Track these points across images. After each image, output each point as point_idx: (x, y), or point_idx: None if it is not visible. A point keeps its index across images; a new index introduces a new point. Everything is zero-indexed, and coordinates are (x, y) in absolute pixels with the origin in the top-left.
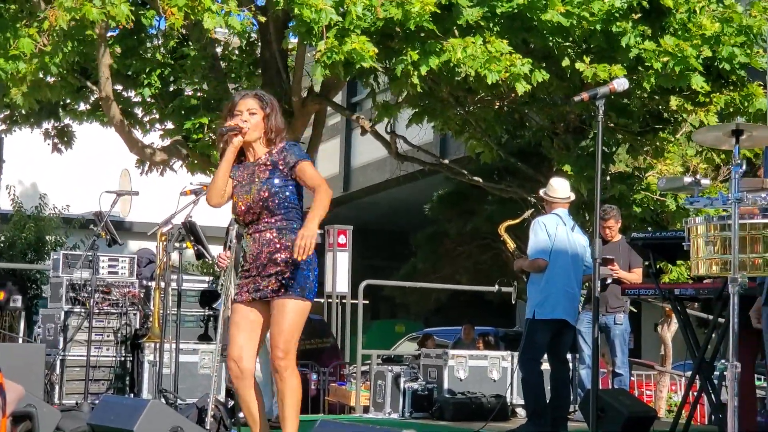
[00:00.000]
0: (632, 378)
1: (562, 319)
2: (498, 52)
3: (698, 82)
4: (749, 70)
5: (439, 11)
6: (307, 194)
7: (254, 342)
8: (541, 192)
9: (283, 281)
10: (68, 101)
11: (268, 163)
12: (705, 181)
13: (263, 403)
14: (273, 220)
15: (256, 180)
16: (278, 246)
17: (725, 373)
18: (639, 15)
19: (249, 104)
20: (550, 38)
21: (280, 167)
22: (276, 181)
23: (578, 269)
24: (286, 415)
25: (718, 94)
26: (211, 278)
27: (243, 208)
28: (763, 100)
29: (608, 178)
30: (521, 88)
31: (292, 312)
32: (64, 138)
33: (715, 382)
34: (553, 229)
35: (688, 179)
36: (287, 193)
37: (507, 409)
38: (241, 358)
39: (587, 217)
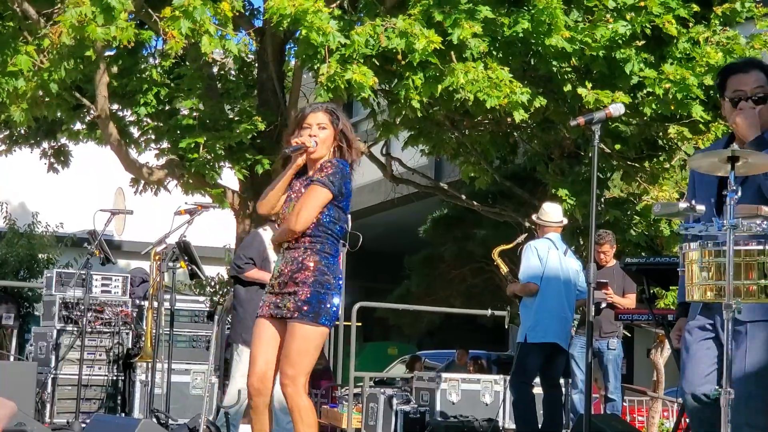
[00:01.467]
0: (624, 403)
1: (553, 342)
2: (498, 79)
3: (698, 111)
4: None
5: (443, 47)
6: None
7: (275, 358)
8: (534, 216)
9: (299, 303)
10: (64, 120)
11: (312, 176)
12: (700, 207)
13: (272, 427)
14: (302, 240)
15: (299, 195)
16: (300, 265)
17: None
18: (642, 42)
19: (319, 118)
20: (553, 63)
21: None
22: None
23: (571, 293)
24: None
25: (716, 123)
26: (205, 298)
27: (280, 221)
28: None
29: (603, 203)
30: (519, 116)
31: (301, 338)
32: (60, 158)
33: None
34: (545, 254)
35: (683, 205)
36: (323, 217)
37: None
38: (264, 375)
39: (582, 242)
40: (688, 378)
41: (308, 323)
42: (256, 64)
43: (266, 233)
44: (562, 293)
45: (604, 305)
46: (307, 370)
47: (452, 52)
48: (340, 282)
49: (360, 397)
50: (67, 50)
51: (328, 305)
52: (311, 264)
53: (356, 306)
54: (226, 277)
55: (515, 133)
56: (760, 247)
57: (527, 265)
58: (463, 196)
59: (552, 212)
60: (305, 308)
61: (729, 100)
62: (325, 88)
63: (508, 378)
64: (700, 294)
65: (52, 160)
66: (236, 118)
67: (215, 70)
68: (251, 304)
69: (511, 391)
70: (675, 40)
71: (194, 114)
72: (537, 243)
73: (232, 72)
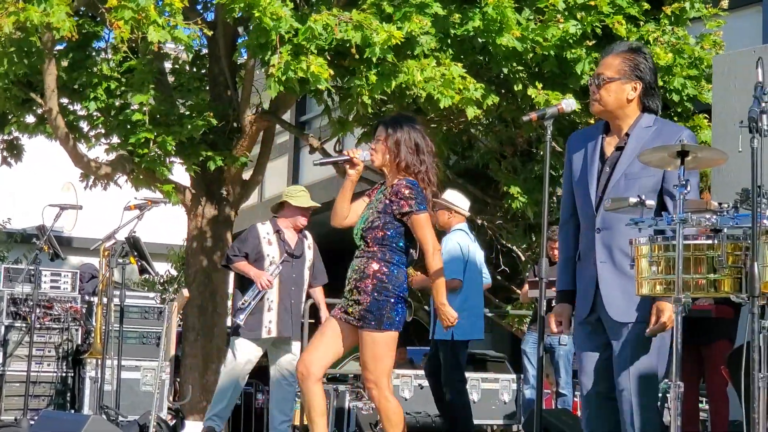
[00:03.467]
0: (576, 398)
1: (479, 339)
2: (452, 75)
3: None
4: (695, 102)
5: (403, 41)
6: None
7: (330, 354)
8: (447, 203)
9: (362, 312)
10: (13, 113)
11: (387, 196)
12: (650, 202)
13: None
14: (368, 249)
15: (373, 208)
16: (363, 273)
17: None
18: (593, 42)
19: (378, 132)
20: (504, 63)
21: (393, 207)
22: (383, 216)
23: (482, 286)
24: None
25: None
26: (155, 294)
27: (356, 230)
28: (709, 132)
29: (555, 200)
30: (471, 112)
31: (371, 344)
32: (13, 151)
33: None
34: (467, 247)
35: (633, 200)
36: (389, 232)
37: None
38: (312, 362)
39: (534, 239)
40: (587, 373)
41: (373, 330)
42: (208, 59)
43: (263, 227)
44: (480, 287)
45: (554, 302)
46: (386, 372)
47: (405, 47)
48: (404, 291)
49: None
50: (10, 42)
51: (390, 311)
52: (371, 272)
53: (308, 302)
54: (174, 273)
55: (471, 129)
56: (710, 242)
57: (451, 259)
58: None
59: (463, 200)
60: (368, 317)
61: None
62: (276, 80)
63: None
64: (649, 288)
65: (5, 153)
66: (188, 114)
67: (168, 64)
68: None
69: (448, 391)
70: (627, 40)
71: (145, 109)
72: (458, 236)
73: (186, 67)
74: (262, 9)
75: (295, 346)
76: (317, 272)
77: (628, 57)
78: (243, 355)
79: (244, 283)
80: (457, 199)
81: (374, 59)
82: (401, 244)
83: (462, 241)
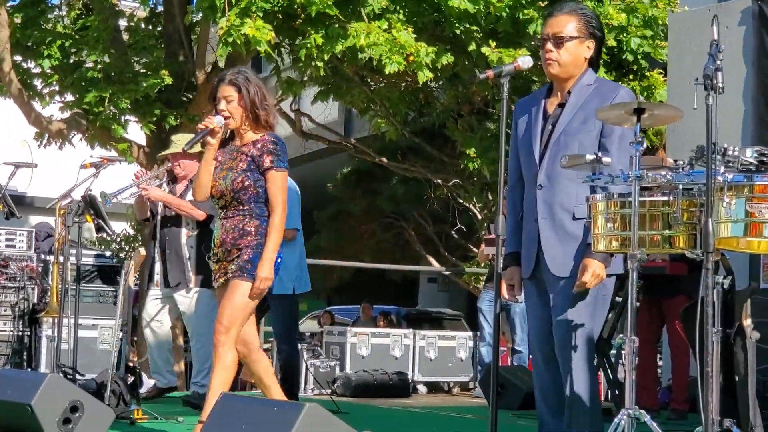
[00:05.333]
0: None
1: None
2: (401, 41)
3: (600, 71)
4: (649, 60)
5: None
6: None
7: (252, 319)
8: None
9: (241, 263)
10: None
11: (249, 155)
12: (606, 159)
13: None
14: (242, 209)
15: (234, 168)
16: (242, 231)
17: (623, 348)
18: (546, 2)
19: (225, 91)
20: (457, 24)
21: (257, 163)
22: (251, 174)
23: None
24: (212, 390)
25: (619, 83)
26: (112, 253)
27: (216, 192)
28: (664, 91)
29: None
30: (423, 77)
31: (241, 293)
32: None
33: (613, 360)
34: (297, 194)
35: (590, 156)
36: (260, 189)
37: (408, 386)
38: (245, 340)
39: (491, 198)
40: (533, 332)
41: (248, 280)
42: (163, 17)
43: None
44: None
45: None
46: (241, 324)
47: (352, 7)
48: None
49: (270, 352)
50: None
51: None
52: (252, 229)
53: None
54: (131, 232)
55: (427, 87)
56: (665, 198)
57: (292, 205)
58: (372, 152)
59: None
60: (248, 267)
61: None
62: (224, 42)
63: (417, 332)
64: (605, 244)
65: None
66: (143, 72)
67: (123, 22)
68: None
69: (286, 349)
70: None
71: (99, 67)
72: (291, 181)
73: (142, 25)
74: None
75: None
76: None
77: (582, 15)
78: None
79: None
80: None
81: (313, 14)
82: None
83: (294, 186)
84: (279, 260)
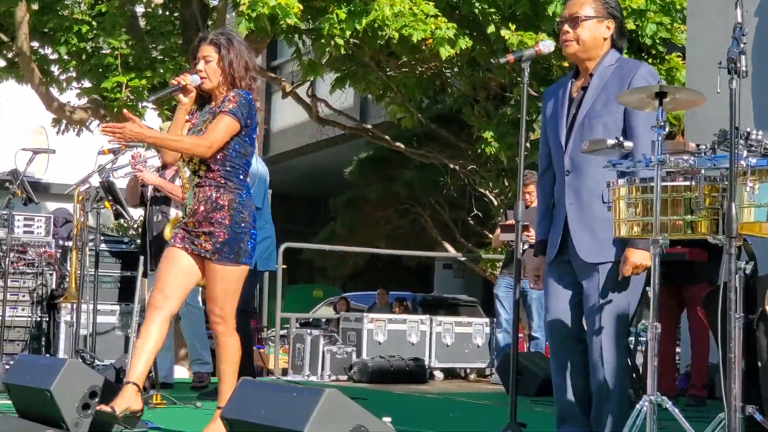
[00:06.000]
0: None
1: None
2: (423, 14)
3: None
4: (668, 44)
5: None
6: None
7: (185, 285)
8: None
9: (218, 245)
10: None
11: (216, 110)
12: (628, 144)
13: (159, 343)
14: (212, 176)
15: (203, 127)
16: (215, 204)
17: (641, 335)
18: None
19: (204, 51)
20: (477, 4)
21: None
22: None
23: None
24: (223, 376)
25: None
26: (130, 239)
27: (186, 156)
28: (684, 74)
29: (528, 144)
30: (445, 53)
31: (226, 278)
32: None
33: (631, 346)
34: (266, 171)
35: (611, 141)
36: (229, 151)
37: (425, 372)
38: (169, 296)
39: (507, 184)
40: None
41: (230, 264)
42: (180, 2)
43: None
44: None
45: (527, 246)
46: (234, 309)
47: None
48: (253, 220)
49: (286, 339)
50: None
51: (246, 242)
52: (225, 203)
53: (282, 247)
54: None
55: (444, 73)
56: (687, 183)
57: (258, 185)
58: (389, 138)
59: None
60: (225, 249)
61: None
62: (247, 17)
63: (434, 318)
64: (627, 230)
65: None
66: (160, 58)
67: (140, 8)
68: None
69: (239, 326)
70: None
71: (117, 53)
72: (259, 161)
73: (159, 11)
74: None
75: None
76: None
77: None
78: None
79: None
80: None
81: None
82: (244, 163)
83: (262, 164)
84: (255, 232)
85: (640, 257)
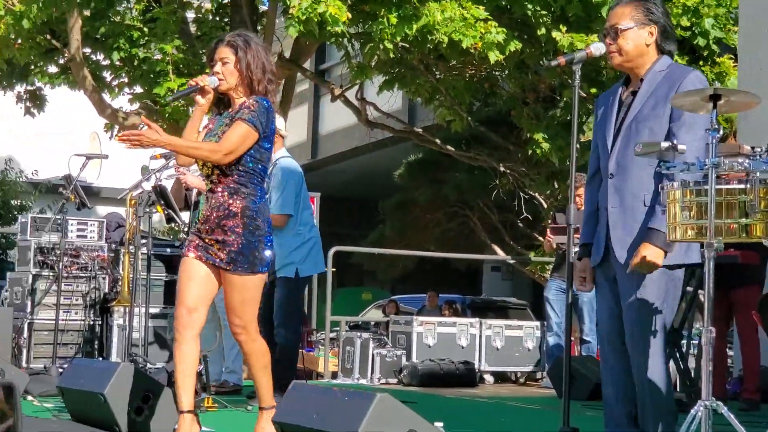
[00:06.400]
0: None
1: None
2: (473, 18)
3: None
4: (720, 45)
5: None
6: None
7: (207, 296)
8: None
9: (232, 255)
10: (36, 63)
11: (234, 116)
12: (682, 147)
13: (196, 360)
14: (226, 181)
15: (219, 133)
16: (227, 212)
17: (693, 339)
18: None
19: (222, 53)
20: (528, 5)
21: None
22: None
23: None
24: (257, 380)
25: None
26: (180, 243)
27: (200, 161)
28: (735, 78)
29: (579, 146)
30: (494, 56)
31: (242, 288)
32: (36, 101)
33: (683, 350)
34: (301, 177)
35: (665, 144)
36: (243, 156)
37: (475, 375)
38: (195, 308)
39: (557, 186)
40: (601, 322)
41: (245, 273)
42: (230, 8)
43: None
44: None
45: (577, 256)
46: (254, 317)
47: None
48: (267, 227)
49: (336, 342)
50: None
51: (261, 250)
52: (238, 210)
53: (332, 250)
54: None
55: (493, 75)
56: (741, 186)
57: (289, 190)
58: (438, 141)
59: (281, 120)
60: (239, 259)
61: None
62: (296, 20)
63: (483, 321)
64: (681, 233)
65: (29, 104)
66: None
67: (190, 14)
68: None
69: (286, 334)
70: None
71: (168, 59)
72: (293, 163)
73: (209, 16)
74: None
75: None
76: None
77: (637, 4)
78: None
79: None
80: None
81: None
82: (259, 169)
83: (296, 168)
84: (271, 238)
85: (653, 254)
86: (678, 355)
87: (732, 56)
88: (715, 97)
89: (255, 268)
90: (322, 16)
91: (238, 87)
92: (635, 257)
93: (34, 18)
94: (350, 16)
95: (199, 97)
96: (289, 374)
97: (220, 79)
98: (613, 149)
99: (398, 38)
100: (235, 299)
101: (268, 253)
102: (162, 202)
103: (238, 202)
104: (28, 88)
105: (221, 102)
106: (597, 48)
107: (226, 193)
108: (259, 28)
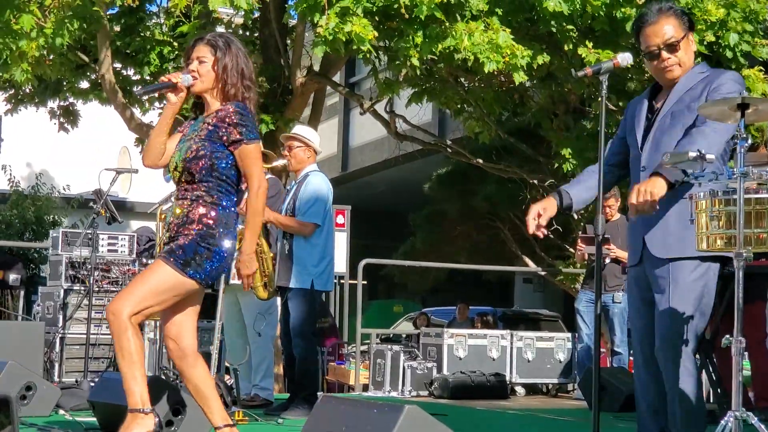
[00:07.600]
0: (631, 357)
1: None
2: (498, 42)
3: None
4: (748, 57)
5: (449, 1)
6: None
7: (190, 317)
8: (306, 139)
9: (173, 247)
10: (68, 79)
11: (211, 122)
12: (710, 156)
13: (212, 380)
14: (191, 189)
15: (192, 138)
16: (186, 218)
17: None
18: (644, 0)
19: (199, 51)
20: (553, 23)
21: (220, 133)
22: (209, 144)
23: None
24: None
25: None
26: None
27: (171, 165)
28: (763, 86)
29: None
30: (518, 78)
31: (156, 275)
32: (69, 117)
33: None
34: (329, 191)
35: (692, 153)
36: (219, 162)
37: (506, 387)
38: (180, 335)
39: None
40: (635, 331)
41: (172, 266)
42: (259, 23)
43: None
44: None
45: (608, 260)
46: (141, 307)
47: (453, 11)
48: (226, 241)
49: (367, 354)
50: (69, 9)
51: (205, 261)
52: (195, 216)
53: (362, 263)
54: None
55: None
56: None
57: (316, 201)
58: (468, 153)
59: (316, 135)
60: (178, 252)
61: (646, 56)
62: (323, 40)
63: (514, 333)
64: (710, 243)
65: (62, 119)
66: None
67: (220, 29)
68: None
69: (301, 345)
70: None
71: None
72: (322, 177)
73: (240, 31)
74: None
75: None
76: None
77: (674, 13)
78: None
79: None
80: (311, 134)
81: (422, 17)
82: (233, 174)
83: (327, 183)
84: (224, 253)
85: (652, 183)
86: (710, 366)
87: (762, 68)
88: (743, 106)
89: (187, 268)
90: (348, 35)
91: (214, 89)
92: (638, 185)
93: (69, 37)
94: (376, 34)
95: (171, 95)
96: (313, 384)
97: (194, 78)
98: (645, 144)
99: (425, 56)
100: (140, 278)
101: (210, 267)
102: None
103: (200, 209)
104: (61, 104)
105: (197, 106)
106: (624, 58)
107: (188, 202)
108: (288, 42)
